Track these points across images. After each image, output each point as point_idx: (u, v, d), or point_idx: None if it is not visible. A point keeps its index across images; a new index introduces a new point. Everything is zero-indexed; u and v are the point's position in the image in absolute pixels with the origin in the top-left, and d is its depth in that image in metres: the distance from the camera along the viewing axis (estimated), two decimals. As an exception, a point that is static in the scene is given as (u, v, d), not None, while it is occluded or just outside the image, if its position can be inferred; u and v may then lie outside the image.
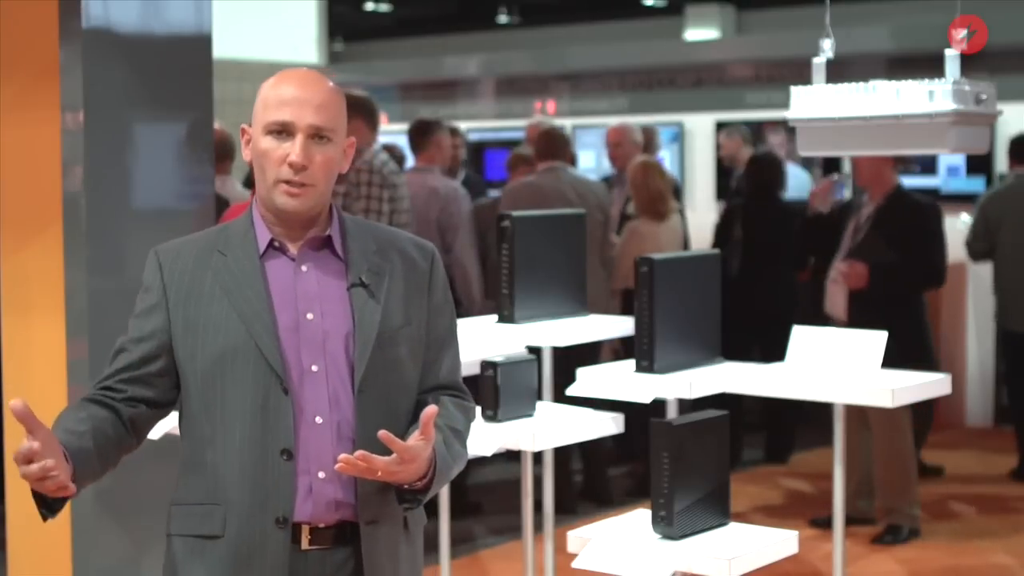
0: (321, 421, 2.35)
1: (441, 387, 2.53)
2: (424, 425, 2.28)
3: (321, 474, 2.35)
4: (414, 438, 2.29)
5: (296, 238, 2.42)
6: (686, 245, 7.41)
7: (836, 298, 5.96)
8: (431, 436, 2.30)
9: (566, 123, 7.50)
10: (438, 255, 2.57)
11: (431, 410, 2.28)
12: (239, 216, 2.49)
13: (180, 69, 4.36)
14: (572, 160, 7.31)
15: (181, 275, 2.41)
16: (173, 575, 2.42)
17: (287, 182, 2.35)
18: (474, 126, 11.44)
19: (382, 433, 2.24)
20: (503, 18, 14.72)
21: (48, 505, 2.29)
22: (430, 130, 6.71)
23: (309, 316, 2.38)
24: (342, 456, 2.23)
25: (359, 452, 2.22)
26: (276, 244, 2.42)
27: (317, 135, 2.36)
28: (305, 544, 2.35)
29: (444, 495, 4.18)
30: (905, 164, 8.66)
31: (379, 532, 2.39)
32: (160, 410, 2.46)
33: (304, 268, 2.41)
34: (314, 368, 2.36)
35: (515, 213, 4.07)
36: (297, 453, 2.34)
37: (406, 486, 2.34)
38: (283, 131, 2.36)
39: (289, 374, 2.35)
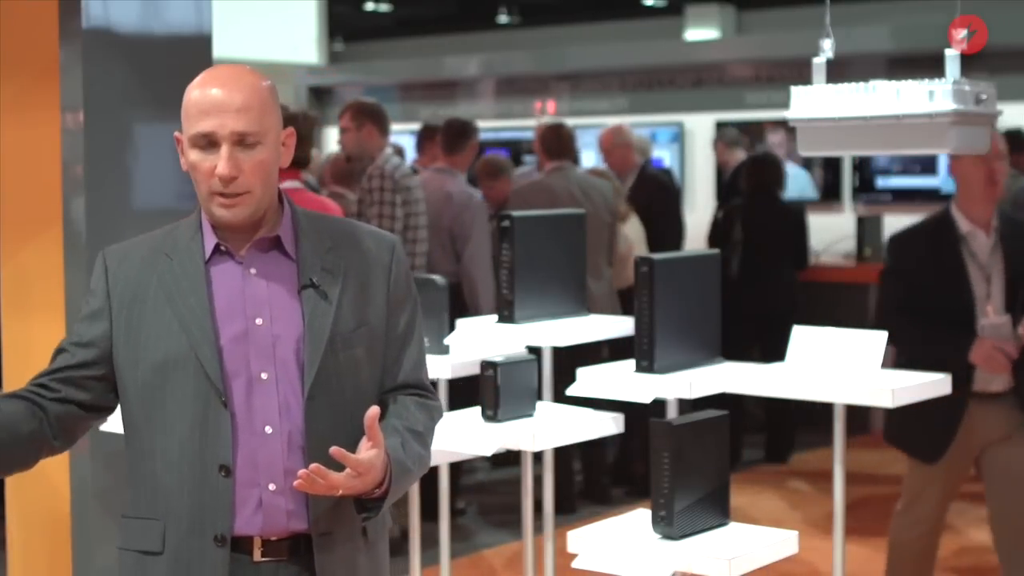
0: (271, 431, 2.27)
1: (403, 386, 2.44)
2: (369, 429, 2.21)
3: (272, 486, 2.27)
4: (364, 447, 2.21)
5: (243, 240, 2.34)
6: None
7: (998, 356, 4.43)
8: (379, 441, 2.22)
9: (566, 123, 7.54)
10: (399, 247, 2.46)
11: (373, 412, 2.21)
12: (190, 216, 2.41)
13: (180, 69, 4.34)
14: (576, 158, 7.29)
15: (126, 281, 2.34)
16: None
17: (221, 194, 2.27)
18: (474, 126, 11.41)
19: (334, 450, 2.16)
20: (503, 18, 14.71)
21: None
22: (467, 133, 6.67)
23: (258, 321, 2.30)
24: (300, 472, 2.15)
25: (314, 466, 2.15)
26: (223, 248, 2.34)
27: (242, 142, 2.26)
28: (257, 556, 2.28)
29: (443, 497, 4.18)
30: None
31: (334, 543, 2.31)
32: (94, 414, 2.39)
33: (252, 271, 2.33)
34: (264, 376, 2.28)
35: (515, 213, 4.07)
36: (245, 466, 2.26)
37: (362, 496, 2.27)
38: (207, 143, 2.27)
39: (229, 386, 2.26)
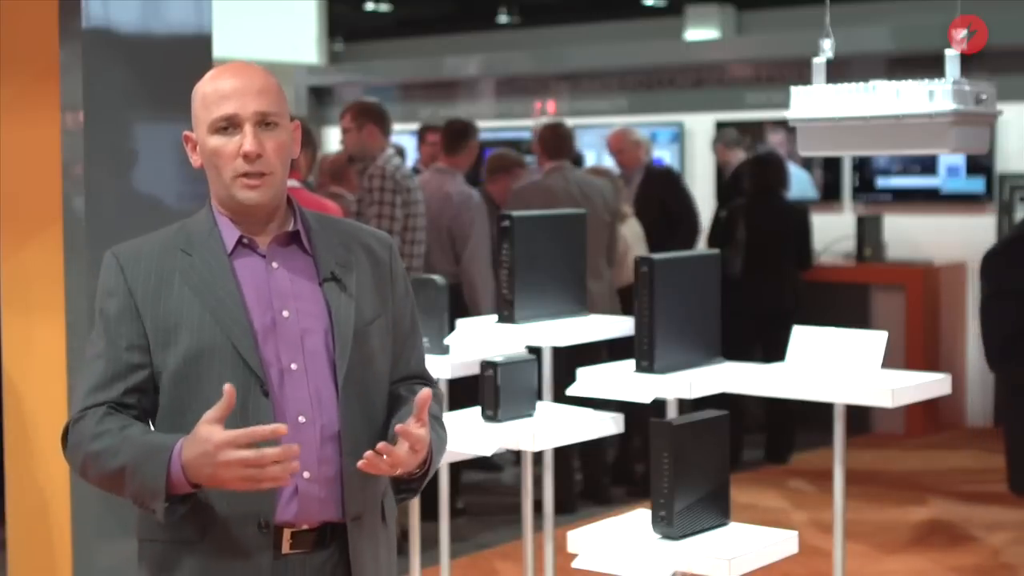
0: (304, 420, 2.32)
1: (410, 377, 2.52)
2: (420, 410, 2.28)
3: (306, 474, 2.31)
4: (413, 426, 2.28)
5: (260, 233, 2.39)
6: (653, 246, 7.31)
7: None
8: (427, 421, 2.30)
9: (564, 123, 7.54)
10: (395, 246, 2.55)
11: (426, 395, 2.28)
12: (196, 215, 2.44)
13: (180, 69, 4.36)
14: (576, 158, 7.28)
15: (146, 276, 2.35)
16: None
17: (245, 175, 2.32)
18: (474, 126, 11.40)
19: (398, 427, 2.25)
20: (503, 18, 14.71)
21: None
22: (468, 134, 6.68)
23: (285, 314, 2.35)
24: (367, 454, 2.22)
25: (382, 445, 2.23)
26: (245, 241, 2.38)
27: (264, 121, 2.33)
28: (286, 548, 2.32)
29: (443, 496, 4.18)
30: None
31: (363, 526, 2.38)
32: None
33: (275, 265, 2.38)
34: (293, 367, 2.33)
35: (515, 213, 4.07)
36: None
37: (405, 476, 2.35)
38: (230, 125, 2.32)
39: (268, 375, 2.31)
